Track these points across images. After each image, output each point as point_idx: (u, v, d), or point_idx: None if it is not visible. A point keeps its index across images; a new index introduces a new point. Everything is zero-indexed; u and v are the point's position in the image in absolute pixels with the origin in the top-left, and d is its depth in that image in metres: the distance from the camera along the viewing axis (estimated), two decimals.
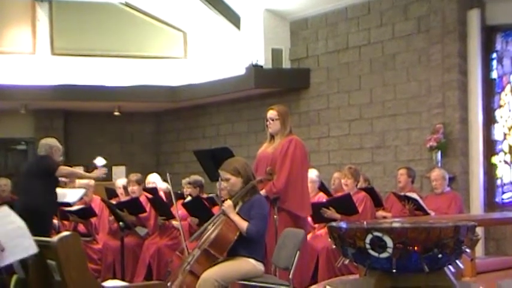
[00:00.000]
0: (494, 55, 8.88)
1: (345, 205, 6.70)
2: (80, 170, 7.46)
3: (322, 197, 7.30)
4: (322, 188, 7.75)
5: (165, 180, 8.12)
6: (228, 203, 4.70)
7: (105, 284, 4.35)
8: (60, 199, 7.12)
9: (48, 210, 6.83)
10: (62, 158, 7.36)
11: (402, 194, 7.14)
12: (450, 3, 8.54)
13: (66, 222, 7.54)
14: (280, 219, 5.50)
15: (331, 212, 6.68)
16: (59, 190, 7.32)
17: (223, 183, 4.88)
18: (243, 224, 4.59)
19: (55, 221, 7.33)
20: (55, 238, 3.51)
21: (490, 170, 8.74)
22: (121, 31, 11.96)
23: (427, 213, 6.84)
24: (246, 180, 4.77)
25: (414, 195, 7.00)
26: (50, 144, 7.07)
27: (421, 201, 6.91)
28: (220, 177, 5.27)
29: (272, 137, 5.73)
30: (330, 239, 3.02)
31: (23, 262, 3.59)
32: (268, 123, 5.72)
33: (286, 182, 5.50)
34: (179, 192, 7.99)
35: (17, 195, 7.23)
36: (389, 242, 2.71)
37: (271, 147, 5.69)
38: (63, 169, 6.99)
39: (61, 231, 6.75)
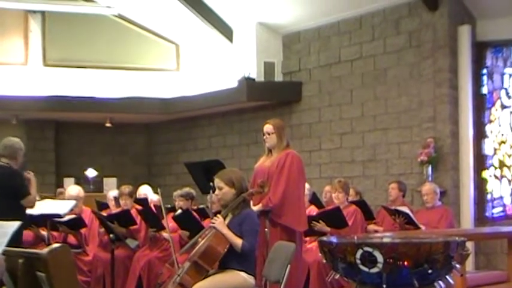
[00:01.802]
0: (485, 71, 8.96)
1: (334, 218, 6.70)
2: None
3: (313, 211, 7.29)
4: (315, 200, 7.75)
5: (156, 192, 8.10)
6: (219, 219, 4.68)
7: None
8: (50, 211, 7.07)
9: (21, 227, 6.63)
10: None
11: (393, 208, 7.15)
12: (441, 19, 8.61)
13: (55, 234, 7.49)
14: (274, 233, 5.50)
15: (321, 226, 6.68)
16: (49, 202, 7.27)
17: (216, 191, 4.87)
18: (238, 241, 4.57)
19: (44, 233, 7.28)
20: (45, 250, 3.49)
21: (480, 184, 8.78)
22: (114, 43, 11.98)
23: (418, 227, 6.85)
24: (239, 192, 4.76)
25: (405, 209, 7.00)
26: (15, 146, 6.34)
27: (412, 215, 6.91)
28: (212, 189, 5.27)
29: (270, 150, 5.74)
30: (320, 254, 3.03)
31: (12, 274, 3.57)
32: (264, 137, 5.73)
33: (282, 196, 5.50)
34: (169, 206, 7.97)
35: None
36: (379, 257, 2.71)
37: (268, 161, 5.69)
38: (29, 201, 6.26)
39: (51, 243, 6.69)
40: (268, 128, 5.71)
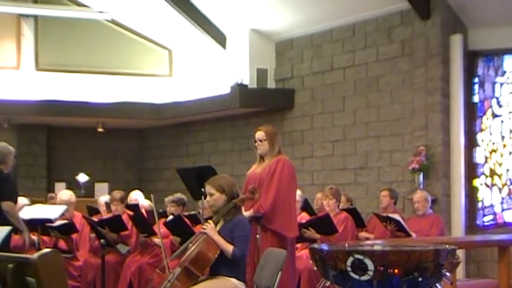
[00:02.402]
0: (476, 79, 9.00)
1: (324, 225, 6.71)
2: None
3: (305, 218, 7.29)
4: (307, 207, 7.75)
5: (147, 197, 8.09)
6: (211, 225, 4.68)
7: None
8: (40, 215, 7.05)
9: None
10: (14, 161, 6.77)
11: (384, 214, 7.17)
12: (433, 28, 8.65)
13: (46, 239, 7.46)
14: (265, 239, 5.49)
15: (311, 233, 6.68)
16: (39, 206, 7.25)
17: (207, 197, 4.87)
18: (228, 247, 4.57)
19: (35, 237, 7.25)
20: (35, 255, 3.48)
21: (471, 192, 8.82)
22: (106, 48, 11.97)
23: (409, 235, 6.87)
24: (230, 198, 4.76)
25: (396, 216, 7.03)
26: (2, 151, 6.39)
27: (403, 223, 6.93)
28: (203, 195, 5.25)
29: (262, 157, 5.73)
30: (311, 261, 3.03)
31: (2, 279, 3.56)
32: (256, 144, 5.71)
33: (273, 202, 5.48)
34: (161, 211, 7.95)
35: None
36: (370, 265, 2.72)
37: (260, 167, 5.68)
38: (8, 205, 6.22)
39: (41, 248, 6.67)
40: (260, 134, 5.69)
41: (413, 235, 6.90)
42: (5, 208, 6.24)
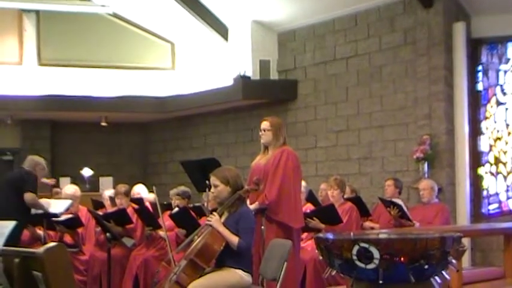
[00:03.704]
0: (480, 67, 8.97)
1: (329, 215, 6.72)
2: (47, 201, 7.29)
3: (309, 209, 7.28)
4: (312, 198, 7.75)
5: (151, 191, 8.10)
6: (216, 217, 4.68)
7: None
8: (46, 210, 7.08)
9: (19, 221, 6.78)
10: (46, 174, 7.45)
11: (388, 199, 7.20)
12: (436, 16, 8.62)
13: (52, 233, 7.49)
14: (271, 230, 5.49)
15: (315, 222, 6.69)
16: (44, 200, 7.27)
17: (212, 188, 4.88)
18: (234, 239, 4.58)
19: (41, 232, 7.27)
20: (41, 249, 3.49)
21: (476, 181, 8.81)
22: (109, 42, 11.95)
23: (410, 220, 6.89)
24: (234, 190, 4.77)
25: (398, 201, 7.08)
26: (36, 160, 7.17)
27: (404, 207, 6.96)
28: (207, 187, 5.25)
29: (266, 148, 5.74)
30: (317, 250, 3.03)
31: (8, 273, 3.57)
32: (260, 133, 5.73)
33: (278, 193, 5.49)
34: (165, 203, 7.97)
35: None
36: (376, 253, 2.72)
37: (264, 158, 5.68)
38: (27, 195, 6.80)
39: (47, 242, 6.69)
40: (265, 124, 5.72)
41: (417, 224, 6.90)
42: (26, 199, 6.75)
